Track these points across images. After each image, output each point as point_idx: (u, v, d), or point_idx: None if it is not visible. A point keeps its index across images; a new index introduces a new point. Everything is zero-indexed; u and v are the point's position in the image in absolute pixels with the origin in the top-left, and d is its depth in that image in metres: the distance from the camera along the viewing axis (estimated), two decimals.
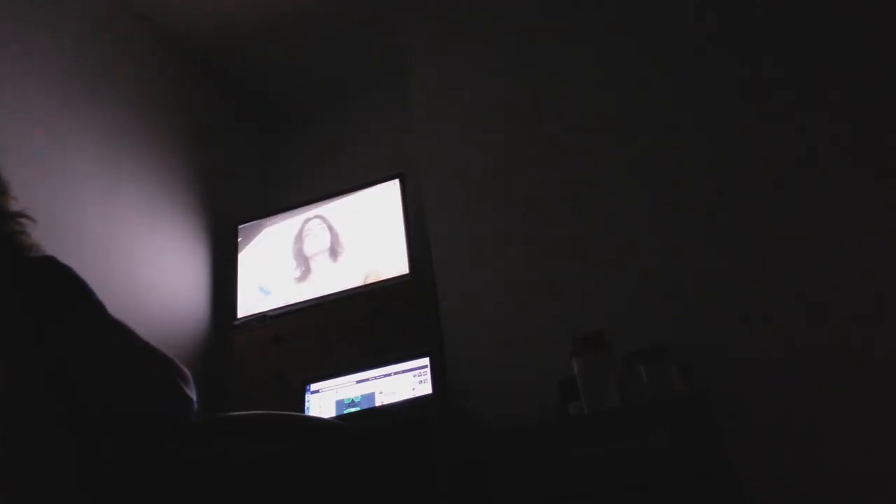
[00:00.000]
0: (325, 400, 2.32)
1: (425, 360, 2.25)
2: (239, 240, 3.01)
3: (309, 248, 2.89)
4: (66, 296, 1.05)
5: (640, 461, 1.64)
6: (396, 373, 2.27)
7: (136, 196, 2.69)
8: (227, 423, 1.24)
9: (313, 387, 2.36)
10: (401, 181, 2.82)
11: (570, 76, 2.62)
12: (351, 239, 2.83)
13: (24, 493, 0.94)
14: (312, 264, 2.85)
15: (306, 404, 2.33)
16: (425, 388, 2.20)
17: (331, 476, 1.33)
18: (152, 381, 1.04)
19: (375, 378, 2.29)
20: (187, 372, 1.08)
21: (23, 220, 1.15)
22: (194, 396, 1.06)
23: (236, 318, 2.85)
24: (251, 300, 2.88)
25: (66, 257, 2.20)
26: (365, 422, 1.87)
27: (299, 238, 2.93)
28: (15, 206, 1.17)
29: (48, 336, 1.00)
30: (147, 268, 2.64)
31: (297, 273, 2.86)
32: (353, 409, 2.25)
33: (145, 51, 2.97)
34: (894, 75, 2.17)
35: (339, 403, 2.29)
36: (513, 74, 2.72)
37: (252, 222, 3.04)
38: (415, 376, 2.24)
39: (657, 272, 2.25)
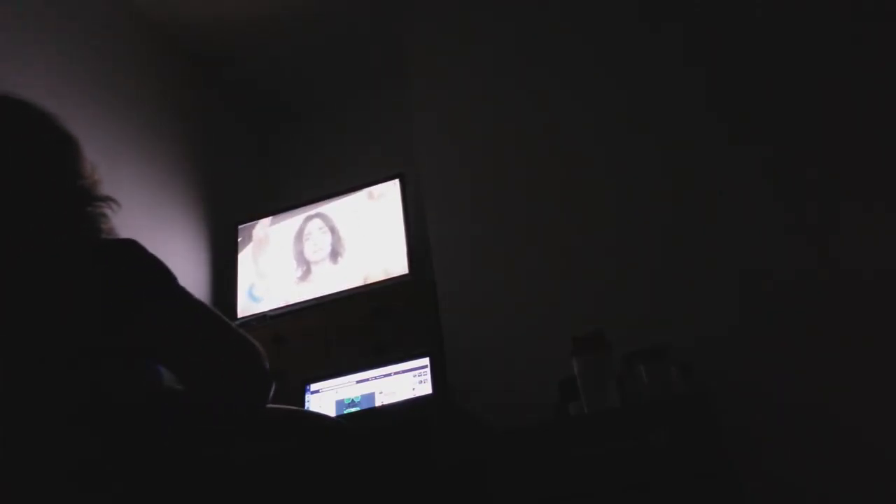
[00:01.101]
0: (325, 400, 2.32)
1: (425, 360, 2.25)
2: (239, 240, 3.01)
3: (310, 254, 2.89)
4: (152, 279, 1.05)
5: (640, 461, 1.64)
6: (396, 373, 2.27)
7: (136, 196, 2.69)
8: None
9: (313, 387, 2.36)
10: (401, 181, 2.82)
11: (570, 76, 2.62)
12: (351, 239, 2.83)
13: (38, 488, 0.94)
14: (313, 267, 2.85)
15: (306, 404, 2.33)
16: (425, 388, 2.20)
17: (331, 476, 1.33)
18: (242, 362, 1.04)
19: (375, 378, 2.29)
20: (265, 354, 1.09)
21: (111, 204, 1.18)
22: (273, 379, 1.08)
23: (236, 318, 2.85)
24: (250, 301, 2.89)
25: None
26: (365, 422, 1.87)
27: (299, 239, 2.93)
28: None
29: (128, 319, 0.99)
30: None
31: (298, 273, 2.86)
32: (353, 409, 2.25)
33: (145, 51, 2.97)
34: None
35: (339, 403, 2.29)
36: (513, 74, 2.72)
37: (252, 222, 3.04)
38: (415, 376, 2.24)
39: (657, 272, 2.25)
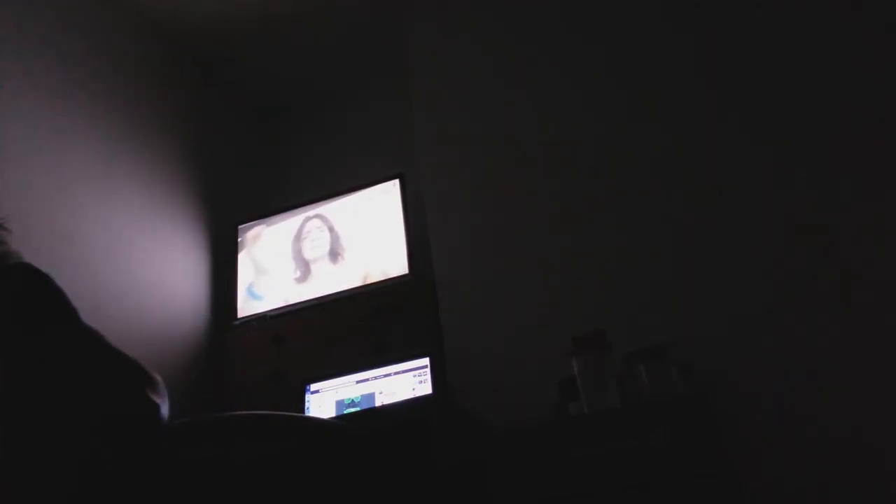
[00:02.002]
0: (325, 400, 2.32)
1: (425, 360, 2.25)
2: (239, 240, 3.01)
3: (308, 252, 2.89)
4: (41, 306, 1.04)
5: (640, 461, 1.64)
6: (396, 373, 2.27)
7: (137, 196, 2.69)
8: (226, 423, 1.24)
9: (313, 387, 2.36)
10: (401, 181, 2.82)
11: (570, 76, 2.62)
12: (351, 239, 2.83)
13: (23, 491, 0.94)
14: (312, 267, 2.85)
15: (306, 404, 2.33)
16: (425, 388, 2.20)
17: (331, 476, 1.33)
18: (118, 386, 1.03)
19: (375, 378, 2.29)
20: (157, 377, 1.07)
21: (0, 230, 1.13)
22: (160, 401, 1.05)
23: (236, 318, 2.85)
24: (250, 301, 2.89)
25: (66, 258, 2.21)
26: (365, 422, 1.87)
27: (298, 239, 2.93)
28: None
29: (22, 345, 1.00)
30: (147, 268, 2.64)
31: (297, 274, 2.86)
32: (353, 409, 2.25)
33: (146, 52, 2.97)
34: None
35: (339, 403, 2.29)
36: (513, 75, 2.72)
37: (252, 222, 3.04)
38: (415, 376, 2.24)
39: (657, 272, 2.25)
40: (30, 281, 1.06)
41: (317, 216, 2.94)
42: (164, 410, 1.05)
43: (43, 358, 1.00)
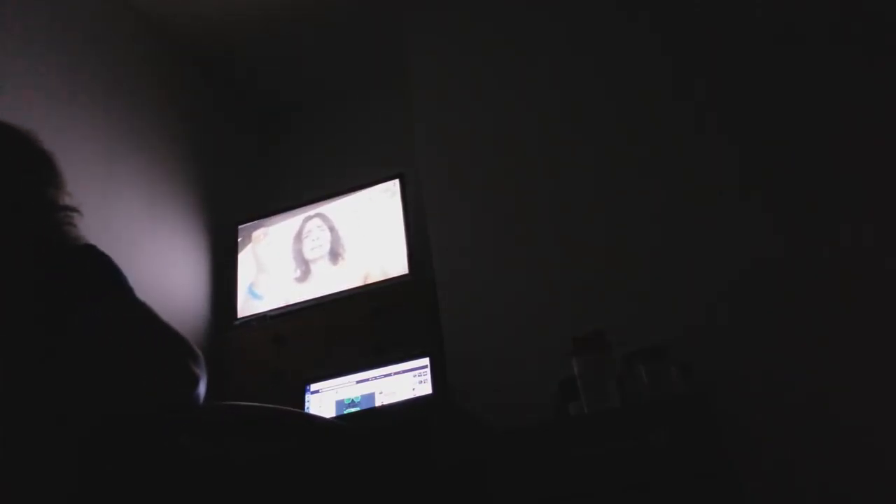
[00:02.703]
0: (325, 400, 2.32)
1: (425, 360, 2.25)
2: (239, 240, 3.01)
3: (308, 252, 2.89)
4: (101, 277, 1.13)
5: (640, 461, 1.64)
6: (396, 373, 2.27)
7: (136, 196, 2.69)
8: (232, 412, 1.26)
9: (313, 387, 2.36)
10: (401, 181, 2.82)
11: (570, 76, 2.62)
12: (351, 239, 2.83)
13: (23, 491, 0.95)
14: (312, 267, 2.85)
15: (306, 404, 2.33)
16: (425, 388, 2.20)
17: (331, 476, 1.33)
18: (162, 357, 1.08)
19: (375, 378, 2.29)
20: (199, 353, 1.13)
21: (72, 214, 1.24)
22: (201, 374, 1.11)
23: (236, 318, 2.85)
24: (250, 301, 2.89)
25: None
26: (365, 422, 1.87)
27: (298, 239, 2.93)
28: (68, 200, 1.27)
29: (76, 318, 1.06)
30: (147, 268, 2.64)
31: (297, 273, 2.86)
32: (353, 409, 2.25)
33: (145, 51, 2.97)
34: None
35: (339, 403, 2.29)
36: (513, 75, 2.72)
37: (252, 222, 3.04)
38: (415, 376, 2.24)
39: (657, 272, 2.25)
40: (99, 257, 1.16)
41: (317, 216, 2.94)
42: (203, 385, 1.10)
43: (105, 320, 1.08)
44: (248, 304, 2.87)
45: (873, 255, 2.04)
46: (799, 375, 1.98)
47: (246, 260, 2.96)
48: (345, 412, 2.25)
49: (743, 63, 2.38)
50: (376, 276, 2.70)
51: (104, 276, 1.14)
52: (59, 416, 1.01)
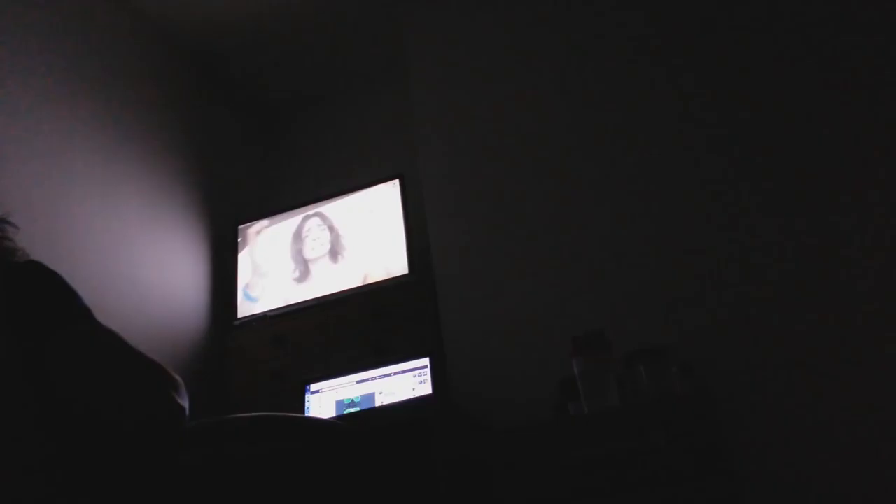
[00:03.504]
0: (325, 400, 2.32)
1: (425, 360, 2.25)
2: (239, 240, 3.01)
3: (308, 252, 2.88)
4: (52, 303, 1.01)
5: (640, 461, 1.64)
6: (396, 373, 2.27)
7: (137, 196, 2.69)
8: (226, 426, 1.24)
9: (313, 387, 2.36)
10: (401, 181, 2.82)
11: (569, 77, 2.62)
12: (351, 239, 2.83)
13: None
14: (312, 266, 2.85)
15: (306, 404, 2.33)
16: (425, 388, 2.20)
17: (331, 476, 1.33)
18: (142, 389, 1.01)
19: (375, 378, 2.29)
20: (179, 379, 1.05)
21: (4, 226, 1.10)
22: (185, 404, 1.03)
23: (236, 318, 2.85)
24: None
25: (66, 258, 2.20)
26: (365, 422, 1.87)
27: (298, 238, 2.93)
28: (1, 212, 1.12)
29: (35, 344, 0.96)
30: (147, 268, 2.64)
31: (297, 273, 2.86)
32: (353, 410, 2.25)
33: (145, 51, 2.97)
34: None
35: (339, 404, 2.29)
36: (513, 75, 2.72)
37: (252, 222, 3.04)
38: (415, 376, 2.24)
39: (657, 272, 2.25)
40: (40, 278, 1.03)
41: (316, 215, 2.93)
42: (186, 413, 1.03)
43: (58, 359, 0.97)
44: (245, 306, 2.87)
45: (874, 255, 2.04)
46: (799, 375, 1.98)
47: (242, 261, 2.96)
48: (345, 412, 2.25)
49: (746, 63, 2.38)
50: (376, 275, 2.70)
51: (63, 301, 1.02)
52: (67, 423, 0.96)
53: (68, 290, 1.04)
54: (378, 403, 2.23)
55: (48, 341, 0.97)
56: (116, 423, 0.99)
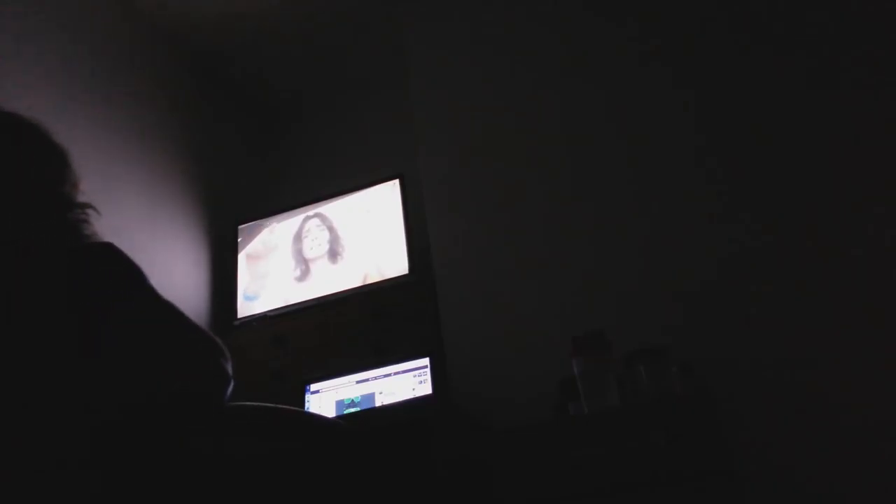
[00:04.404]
0: (325, 400, 2.32)
1: (425, 360, 2.26)
2: (239, 240, 3.01)
3: (308, 252, 2.89)
4: (124, 277, 1.14)
5: (640, 461, 1.64)
6: (396, 373, 2.27)
7: (136, 196, 2.69)
8: (242, 412, 1.28)
9: (313, 387, 2.36)
10: (401, 181, 2.82)
11: (569, 76, 2.62)
12: (351, 239, 2.83)
13: (33, 485, 0.95)
14: (312, 266, 2.85)
15: (306, 404, 2.33)
16: (425, 388, 2.21)
17: (331, 476, 1.33)
18: (198, 356, 1.13)
19: (375, 378, 2.29)
20: (227, 351, 1.18)
21: (88, 210, 1.24)
22: (231, 372, 1.15)
23: (236, 318, 2.85)
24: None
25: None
26: (365, 422, 1.87)
27: (298, 238, 2.93)
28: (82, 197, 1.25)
29: (103, 319, 1.06)
30: (147, 268, 2.62)
31: (297, 273, 2.86)
32: (353, 410, 2.25)
33: (145, 51, 2.97)
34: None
35: (339, 404, 2.29)
36: (513, 74, 2.72)
37: (252, 222, 3.04)
38: (415, 376, 2.24)
39: (657, 272, 2.25)
40: (112, 257, 1.16)
41: (317, 215, 2.94)
42: (232, 383, 1.14)
43: (133, 322, 1.09)
44: (244, 306, 2.87)
45: (874, 254, 2.04)
46: (799, 375, 1.98)
47: (242, 262, 2.96)
48: (345, 412, 2.25)
49: (747, 64, 2.38)
50: (376, 276, 2.70)
51: (129, 277, 1.15)
52: (84, 411, 1.02)
53: (137, 269, 1.18)
54: (378, 403, 2.23)
55: (125, 305, 1.09)
56: (168, 387, 1.09)
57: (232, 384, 1.14)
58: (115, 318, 1.07)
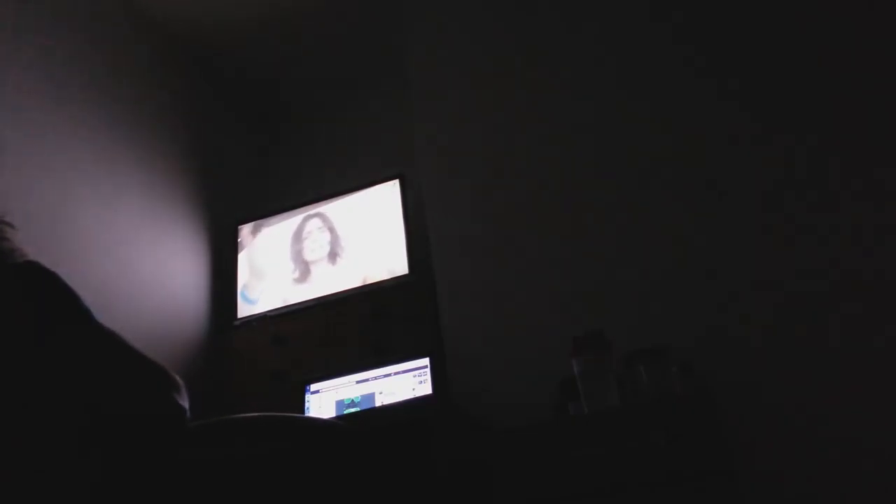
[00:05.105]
0: (325, 400, 2.32)
1: (425, 360, 2.26)
2: (239, 240, 3.01)
3: (308, 253, 2.89)
4: (52, 304, 1.00)
5: (640, 461, 1.64)
6: (396, 373, 2.27)
7: (136, 196, 2.69)
8: (228, 426, 1.24)
9: (313, 387, 2.36)
10: (401, 181, 2.82)
11: (569, 75, 2.62)
12: (351, 239, 2.83)
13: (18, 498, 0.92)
14: (312, 267, 2.85)
15: (306, 404, 2.33)
16: (425, 388, 2.21)
17: (331, 476, 1.33)
18: (143, 390, 1.01)
19: (375, 378, 2.29)
20: (179, 381, 1.05)
21: (2, 226, 1.08)
22: (186, 405, 1.03)
23: (236, 318, 2.85)
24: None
25: (66, 258, 2.20)
26: (365, 422, 1.87)
27: (298, 239, 2.93)
28: None
29: (34, 346, 0.96)
30: (147, 268, 2.64)
31: (296, 274, 2.86)
32: (353, 410, 2.25)
33: (145, 51, 2.97)
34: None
35: (339, 404, 2.29)
36: (512, 74, 2.72)
37: (252, 222, 3.04)
38: (415, 376, 2.24)
39: (657, 272, 2.25)
40: (39, 279, 1.01)
41: (317, 215, 2.94)
42: (187, 414, 1.03)
43: (57, 360, 0.96)
44: (244, 306, 2.87)
45: (874, 255, 2.04)
46: (799, 375, 1.98)
47: (241, 262, 2.96)
48: (345, 412, 2.25)
49: (747, 64, 2.38)
50: (376, 276, 2.70)
51: (63, 302, 1.01)
52: (66, 425, 0.97)
53: (68, 290, 1.02)
54: (378, 403, 2.23)
55: (49, 342, 0.96)
56: (118, 424, 0.99)
57: (187, 415, 1.02)
58: (55, 345, 0.96)
